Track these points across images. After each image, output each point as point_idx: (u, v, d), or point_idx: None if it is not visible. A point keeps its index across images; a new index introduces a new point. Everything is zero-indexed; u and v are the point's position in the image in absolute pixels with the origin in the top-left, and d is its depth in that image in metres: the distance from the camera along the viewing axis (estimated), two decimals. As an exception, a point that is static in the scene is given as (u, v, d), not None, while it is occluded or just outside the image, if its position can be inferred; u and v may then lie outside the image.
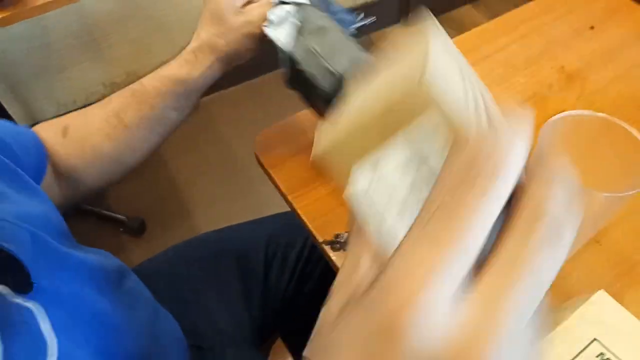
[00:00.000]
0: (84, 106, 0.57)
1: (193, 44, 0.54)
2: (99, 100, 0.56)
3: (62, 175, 0.56)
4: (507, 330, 0.16)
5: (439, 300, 0.16)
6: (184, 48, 0.54)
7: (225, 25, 0.52)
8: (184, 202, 1.49)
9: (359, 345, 0.17)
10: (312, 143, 0.21)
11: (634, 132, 0.41)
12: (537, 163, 0.18)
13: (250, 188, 1.45)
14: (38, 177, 0.52)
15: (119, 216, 1.40)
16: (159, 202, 1.48)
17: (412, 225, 0.17)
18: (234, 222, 0.81)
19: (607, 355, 0.38)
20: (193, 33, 0.54)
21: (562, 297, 0.47)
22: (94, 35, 1.50)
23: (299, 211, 0.54)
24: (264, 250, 0.74)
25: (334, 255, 0.50)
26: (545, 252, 0.17)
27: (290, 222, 0.76)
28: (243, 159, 1.56)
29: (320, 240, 0.52)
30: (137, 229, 1.38)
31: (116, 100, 0.56)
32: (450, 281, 0.16)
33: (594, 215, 0.41)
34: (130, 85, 0.56)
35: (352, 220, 0.19)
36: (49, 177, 0.54)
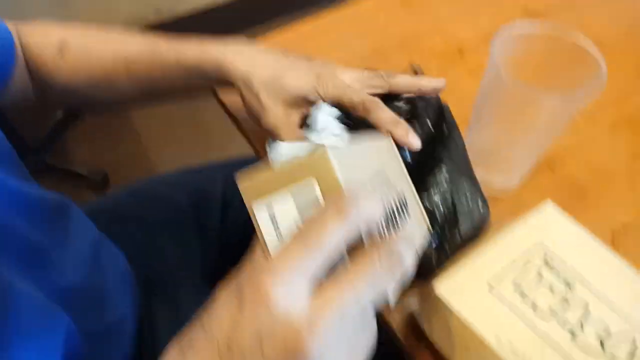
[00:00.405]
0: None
1: (236, 60, 0.46)
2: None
3: (38, 80, 0.54)
4: (329, 325, 0.24)
5: (295, 280, 0.24)
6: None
7: (264, 93, 0.45)
8: (148, 157, 1.45)
9: (234, 297, 0.25)
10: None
11: (583, 41, 0.41)
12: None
13: (219, 144, 1.42)
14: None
15: (81, 170, 1.36)
16: (122, 157, 1.45)
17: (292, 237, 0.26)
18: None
19: (550, 255, 0.38)
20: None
21: (513, 216, 0.47)
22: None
23: (252, 139, 0.53)
24: (221, 187, 0.72)
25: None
26: (375, 275, 0.25)
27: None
28: (212, 115, 1.53)
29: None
30: (100, 182, 1.34)
31: (132, 47, 0.51)
32: (305, 271, 0.24)
33: (548, 121, 0.41)
34: (153, 39, 0.51)
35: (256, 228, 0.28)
36: (19, 79, 0.52)
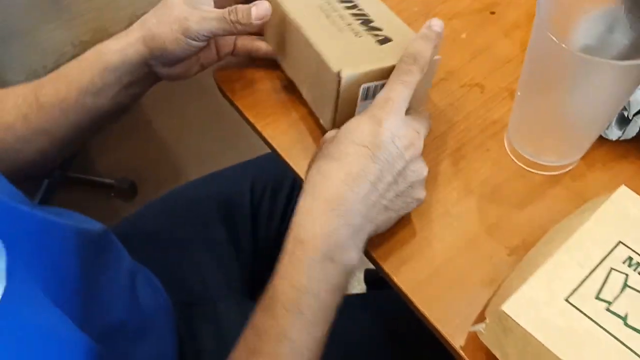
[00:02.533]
0: (54, 69, 0.49)
1: None
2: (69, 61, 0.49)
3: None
4: (392, 119, 0.37)
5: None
6: None
7: (167, 5, 0.45)
8: (174, 159, 1.43)
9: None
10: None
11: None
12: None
13: (240, 137, 1.37)
14: None
15: (107, 180, 1.34)
16: (148, 162, 1.42)
17: None
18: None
19: (637, 259, 0.32)
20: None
21: (578, 201, 0.41)
22: (53, -7, 1.39)
23: (271, 141, 0.47)
24: (249, 193, 0.68)
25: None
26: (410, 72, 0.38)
27: (277, 161, 0.70)
28: (230, 108, 1.48)
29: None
30: (128, 191, 1.33)
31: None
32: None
33: (613, 92, 0.35)
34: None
35: None
36: None
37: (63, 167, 1.36)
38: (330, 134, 0.39)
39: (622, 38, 0.40)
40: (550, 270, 0.32)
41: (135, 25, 0.47)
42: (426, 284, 0.38)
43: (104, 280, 0.45)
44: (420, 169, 0.38)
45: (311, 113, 0.48)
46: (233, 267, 0.64)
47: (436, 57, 0.41)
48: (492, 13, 0.54)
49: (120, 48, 0.46)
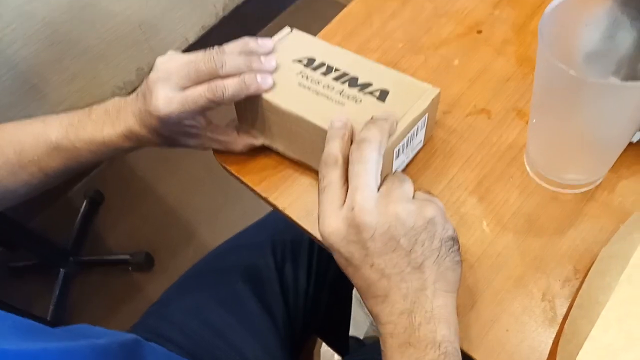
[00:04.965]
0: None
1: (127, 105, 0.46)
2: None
3: None
4: (369, 186, 0.34)
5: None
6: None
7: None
8: (183, 223, 1.41)
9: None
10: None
11: None
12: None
13: (246, 190, 1.37)
14: None
15: (122, 256, 1.33)
16: (158, 230, 1.41)
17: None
18: (240, 228, 0.73)
19: (701, 276, 0.30)
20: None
21: (617, 215, 0.39)
22: (32, 82, 1.39)
23: (286, 212, 0.46)
24: (271, 255, 0.66)
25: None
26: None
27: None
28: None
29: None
30: (145, 263, 1.31)
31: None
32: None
33: (634, 113, 0.33)
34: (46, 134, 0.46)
35: None
36: None
37: (75, 252, 1.35)
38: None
39: (625, 38, 0.39)
40: (616, 307, 0.30)
41: (113, 117, 0.45)
42: (482, 335, 0.37)
43: None
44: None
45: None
46: (271, 337, 0.62)
47: (435, 88, 0.41)
48: (479, 32, 0.53)
49: (109, 141, 0.46)
